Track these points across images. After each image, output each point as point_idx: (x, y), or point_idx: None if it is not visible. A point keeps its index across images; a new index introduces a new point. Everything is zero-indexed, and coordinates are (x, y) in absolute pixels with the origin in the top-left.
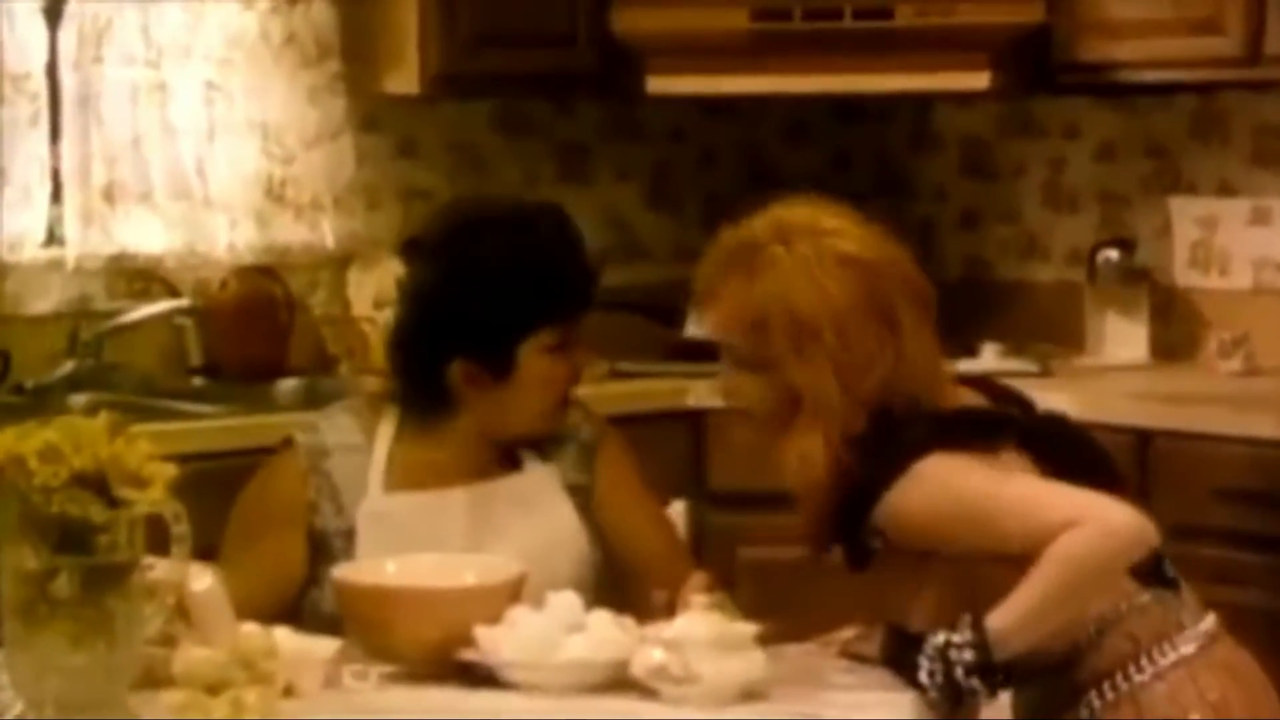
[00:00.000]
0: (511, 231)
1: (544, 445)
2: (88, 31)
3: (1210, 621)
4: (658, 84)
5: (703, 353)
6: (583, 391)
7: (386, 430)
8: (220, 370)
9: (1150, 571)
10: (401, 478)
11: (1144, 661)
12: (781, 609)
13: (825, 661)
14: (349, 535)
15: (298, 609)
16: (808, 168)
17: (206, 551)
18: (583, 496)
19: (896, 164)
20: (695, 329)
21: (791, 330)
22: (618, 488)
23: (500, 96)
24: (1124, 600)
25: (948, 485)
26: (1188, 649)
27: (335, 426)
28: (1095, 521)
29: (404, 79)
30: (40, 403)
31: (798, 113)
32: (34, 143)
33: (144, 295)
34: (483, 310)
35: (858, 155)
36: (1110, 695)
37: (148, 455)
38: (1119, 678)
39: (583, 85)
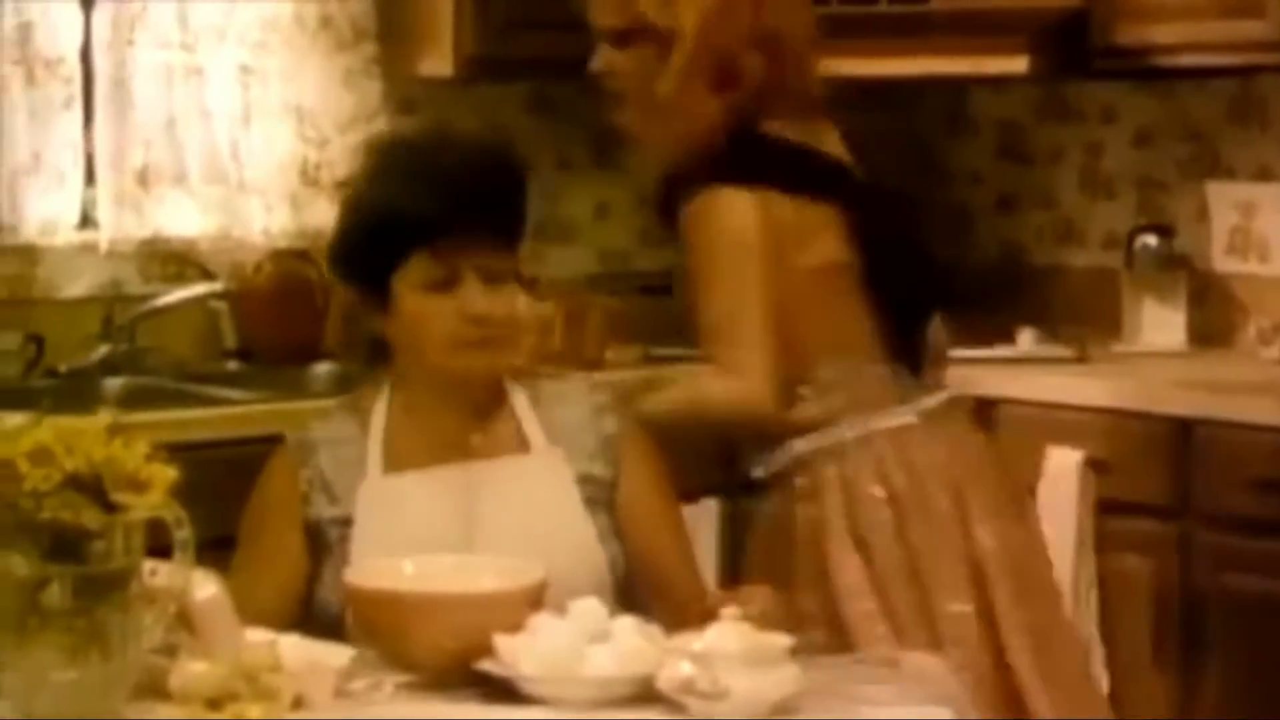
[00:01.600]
0: (402, 156)
1: (555, 429)
2: (122, 15)
3: (941, 398)
4: None
5: None
6: (615, 376)
7: (380, 410)
8: (254, 354)
9: (901, 348)
10: (400, 458)
11: (856, 420)
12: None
13: (859, 672)
14: (345, 523)
15: (309, 613)
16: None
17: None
18: (596, 488)
19: (932, 148)
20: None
21: None
22: (644, 495)
23: (534, 79)
24: (859, 358)
25: (721, 233)
26: (908, 419)
27: (326, 424)
28: (740, 386)
29: (439, 62)
30: (74, 387)
31: (833, 96)
32: (68, 126)
33: (178, 279)
34: (350, 235)
35: (893, 139)
36: (819, 442)
37: (146, 456)
38: (829, 429)
39: None
